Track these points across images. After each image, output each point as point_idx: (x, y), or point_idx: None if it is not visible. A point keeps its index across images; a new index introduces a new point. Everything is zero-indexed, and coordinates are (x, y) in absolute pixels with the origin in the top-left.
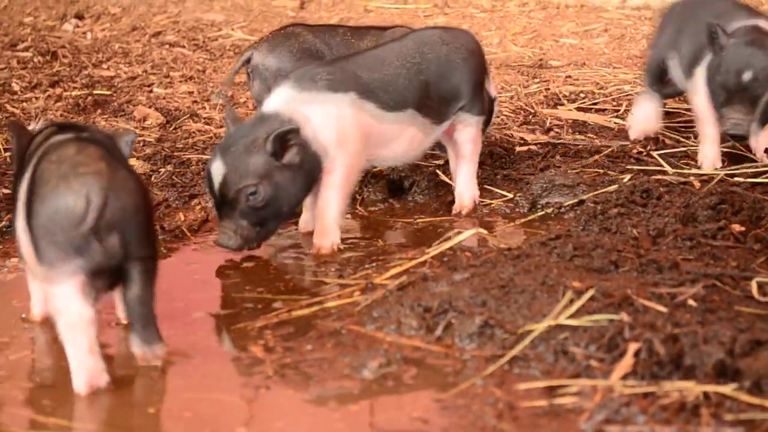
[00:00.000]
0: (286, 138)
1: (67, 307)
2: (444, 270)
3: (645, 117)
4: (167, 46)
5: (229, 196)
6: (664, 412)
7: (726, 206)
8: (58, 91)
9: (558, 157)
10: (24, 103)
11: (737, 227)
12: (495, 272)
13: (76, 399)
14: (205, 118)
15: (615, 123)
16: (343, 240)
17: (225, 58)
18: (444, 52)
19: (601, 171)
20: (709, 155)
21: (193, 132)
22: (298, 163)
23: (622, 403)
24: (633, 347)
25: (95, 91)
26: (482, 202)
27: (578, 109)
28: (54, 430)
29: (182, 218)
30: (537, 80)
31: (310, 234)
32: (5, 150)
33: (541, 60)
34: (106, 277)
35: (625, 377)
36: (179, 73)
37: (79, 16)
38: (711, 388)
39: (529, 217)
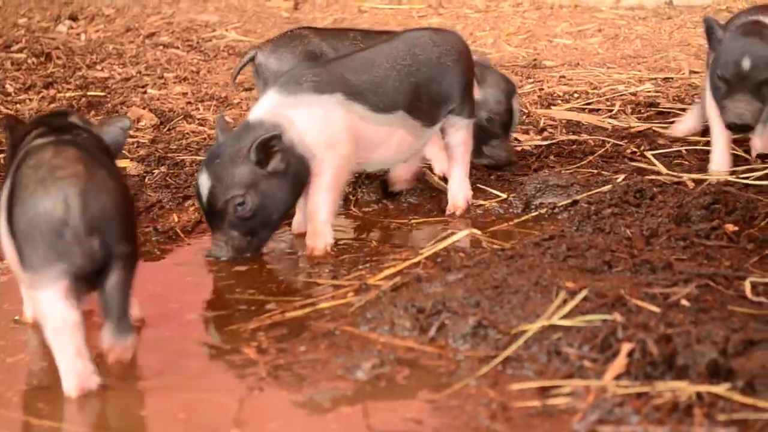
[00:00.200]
0: (270, 145)
1: (52, 312)
2: (437, 271)
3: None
4: (161, 47)
5: (218, 208)
6: (657, 412)
7: (719, 206)
8: (52, 92)
9: (552, 157)
10: (18, 105)
11: (730, 227)
12: (488, 273)
13: (71, 401)
14: (199, 120)
15: (609, 123)
16: (336, 241)
17: (219, 59)
18: (435, 54)
19: (595, 171)
20: (716, 160)
21: (187, 133)
22: (284, 170)
23: (615, 404)
24: (626, 347)
25: (89, 93)
26: (476, 202)
27: (572, 109)
28: None
29: (176, 219)
30: (531, 80)
31: (303, 235)
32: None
33: (535, 60)
34: (89, 279)
35: (618, 377)
36: (173, 74)
37: (73, 18)
38: (704, 388)
39: (523, 218)
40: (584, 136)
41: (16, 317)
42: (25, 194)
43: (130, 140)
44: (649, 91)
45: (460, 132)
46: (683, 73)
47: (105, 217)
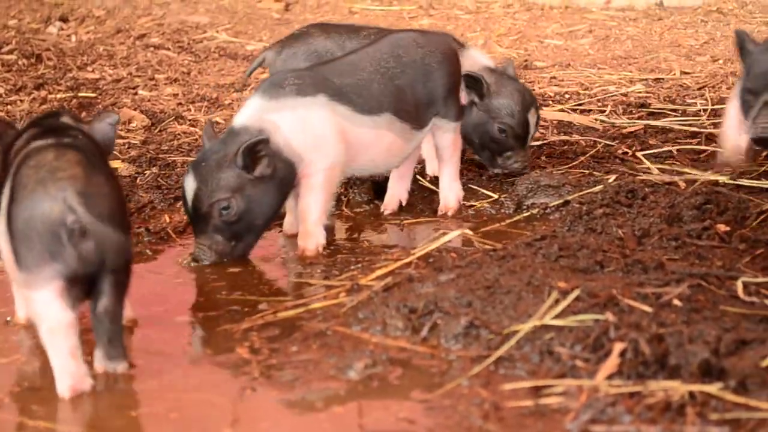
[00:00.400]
0: (256, 150)
1: (46, 312)
2: (429, 271)
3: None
4: (152, 49)
5: (202, 211)
6: (649, 412)
7: (711, 206)
8: (42, 93)
9: (543, 158)
10: (8, 106)
11: (722, 227)
12: (480, 273)
13: (64, 402)
14: (190, 121)
15: (600, 123)
16: (328, 241)
17: (210, 60)
18: (419, 56)
19: (587, 172)
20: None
21: (178, 134)
22: (270, 174)
23: (607, 403)
24: (618, 347)
25: (80, 94)
26: (467, 203)
27: (563, 110)
28: None
29: (167, 220)
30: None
31: (295, 236)
32: None
33: (526, 61)
34: (83, 285)
35: (610, 377)
36: (164, 76)
37: (64, 19)
38: (696, 387)
39: (515, 218)
40: (575, 137)
41: (8, 318)
42: (24, 193)
43: (121, 141)
44: (640, 92)
45: (447, 134)
46: (674, 74)
47: (101, 220)
